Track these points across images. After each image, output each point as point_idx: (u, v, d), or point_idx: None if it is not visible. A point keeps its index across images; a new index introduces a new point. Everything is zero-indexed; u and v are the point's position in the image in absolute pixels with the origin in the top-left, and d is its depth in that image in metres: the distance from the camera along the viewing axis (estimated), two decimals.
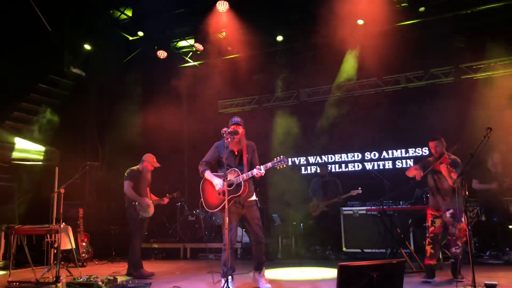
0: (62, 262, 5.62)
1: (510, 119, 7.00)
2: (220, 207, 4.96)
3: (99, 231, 8.42)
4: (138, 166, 6.40)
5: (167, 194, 6.69)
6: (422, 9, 8.09)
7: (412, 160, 9.34)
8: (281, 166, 4.73)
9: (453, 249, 5.29)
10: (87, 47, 8.64)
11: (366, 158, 9.86)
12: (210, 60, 10.45)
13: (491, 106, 7.60)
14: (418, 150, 9.35)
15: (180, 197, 6.76)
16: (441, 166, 5.22)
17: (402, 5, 8.35)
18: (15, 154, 6.72)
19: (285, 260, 7.83)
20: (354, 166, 9.96)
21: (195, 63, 10.70)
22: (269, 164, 4.78)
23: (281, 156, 4.72)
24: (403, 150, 9.50)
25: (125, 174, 6.30)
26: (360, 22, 8.39)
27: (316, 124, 10.24)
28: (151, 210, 6.30)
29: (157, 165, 6.45)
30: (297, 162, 10.49)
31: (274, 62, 10.28)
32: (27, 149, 6.96)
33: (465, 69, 9.08)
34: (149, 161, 6.37)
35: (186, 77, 11.01)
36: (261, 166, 4.81)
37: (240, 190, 4.87)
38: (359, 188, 8.01)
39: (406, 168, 9.08)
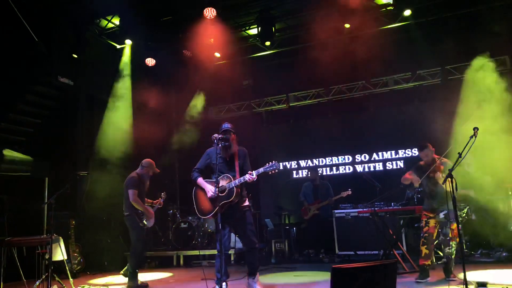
0: (54, 274, 5.55)
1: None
2: (213, 213, 4.96)
3: (91, 241, 8.34)
4: (137, 171, 6.21)
5: (162, 195, 6.58)
6: (408, 13, 8.16)
7: (402, 161, 9.42)
8: (273, 172, 4.75)
9: (446, 249, 5.36)
10: (75, 56, 8.59)
11: (356, 160, 9.92)
12: (200, 66, 10.48)
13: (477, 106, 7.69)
14: (408, 151, 9.44)
15: (165, 197, 6.63)
16: (436, 174, 5.29)
17: (388, 8, 8.45)
18: (3, 166, 6.63)
19: (278, 264, 7.82)
20: (345, 169, 10.01)
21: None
22: (261, 169, 4.80)
23: (273, 161, 4.75)
24: (393, 152, 9.58)
25: (126, 183, 6.09)
26: (347, 26, 8.45)
27: (306, 128, 10.31)
28: (153, 217, 6.22)
29: (157, 171, 6.32)
30: (288, 166, 10.51)
31: (263, 67, 10.33)
32: (16, 161, 6.87)
33: (451, 70, 9.20)
34: (149, 167, 6.23)
35: (176, 84, 11.03)
36: (253, 171, 4.82)
37: (232, 196, 4.88)
38: (349, 189, 8.06)
39: (397, 170, 9.28)
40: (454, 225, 5.35)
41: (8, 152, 6.70)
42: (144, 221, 6.07)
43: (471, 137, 4.40)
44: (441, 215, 5.41)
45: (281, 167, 10.14)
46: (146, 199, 6.34)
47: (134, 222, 6.03)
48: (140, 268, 6.23)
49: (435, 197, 5.47)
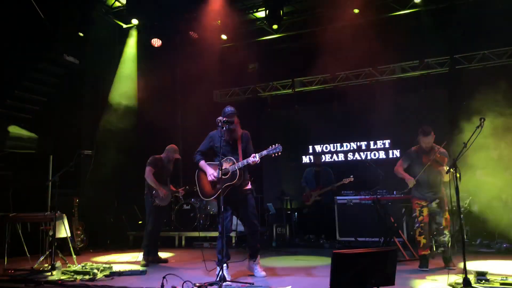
0: (58, 250, 5.63)
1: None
2: (215, 195, 4.99)
3: (94, 220, 8.43)
4: (162, 154, 6.47)
5: (185, 187, 6.97)
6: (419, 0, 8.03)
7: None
8: (276, 154, 4.76)
9: (441, 238, 5.39)
10: (81, 35, 8.54)
11: (360, 147, 9.90)
12: (205, 48, 10.42)
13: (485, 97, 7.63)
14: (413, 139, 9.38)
15: (183, 193, 6.94)
16: (441, 167, 5.26)
17: None
18: (8, 143, 6.67)
19: (279, 248, 7.89)
20: (348, 156, 10.01)
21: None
22: (264, 152, 4.80)
23: (276, 144, 4.75)
24: (396, 140, 9.53)
25: (148, 161, 6.34)
26: (356, 11, 8.34)
27: (311, 113, 10.28)
28: (168, 199, 6.39)
29: (178, 157, 6.53)
30: (291, 152, 10.49)
31: (269, 51, 10.25)
32: (21, 137, 6.91)
33: (459, 59, 9.10)
34: (169, 152, 6.46)
35: (181, 66, 10.98)
36: (256, 154, 4.83)
37: (235, 179, 4.90)
38: (351, 176, 8.08)
39: (390, 159, 9.25)
40: (447, 214, 5.41)
41: (13, 129, 6.74)
42: (156, 200, 6.18)
43: (477, 127, 4.37)
44: (434, 205, 5.41)
45: (284, 153, 10.13)
46: (171, 187, 6.55)
47: (148, 201, 6.28)
48: (153, 246, 6.37)
49: (431, 187, 5.44)
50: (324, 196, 8.55)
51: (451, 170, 4.33)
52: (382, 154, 9.67)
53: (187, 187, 7.01)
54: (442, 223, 5.40)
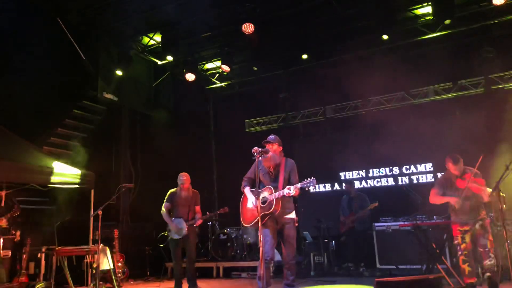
0: (101, 282, 5.76)
1: None
2: (253, 223, 5.07)
3: (134, 251, 8.58)
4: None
5: (207, 214, 6.86)
6: (447, 21, 7.99)
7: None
8: (310, 188, 4.77)
9: (487, 262, 5.13)
10: (119, 73, 8.97)
11: (395, 173, 9.74)
12: (236, 80, 10.71)
13: None
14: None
15: (205, 217, 6.81)
16: (481, 191, 5.11)
17: (427, 18, 8.35)
18: (53, 178, 6.97)
19: (318, 278, 7.75)
20: (385, 181, 9.85)
21: (222, 84, 10.94)
22: (299, 185, 4.81)
23: (312, 178, 4.75)
24: (434, 164, 9.34)
25: None
26: (385, 37, 8.40)
27: (344, 140, 10.24)
28: (180, 232, 6.27)
29: (182, 184, 6.40)
30: (325, 179, 10.43)
31: (300, 79, 10.40)
32: (64, 173, 7.20)
33: (495, 79, 8.93)
34: (179, 180, 6.45)
35: (213, 98, 11.30)
36: (291, 186, 4.86)
37: (271, 208, 4.92)
38: (377, 201, 8.08)
39: None
40: (491, 236, 5.20)
41: (57, 165, 7.05)
42: (170, 234, 6.37)
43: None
44: (477, 226, 5.21)
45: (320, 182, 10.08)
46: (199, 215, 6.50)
47: (168, 235, 6.45)
48: (177, 278, 6.35)
49: (471, 210, 5.24)
50: (358, 223, 8.43)
51: (493, 193, 4.22)
52: (422, 179, 9.45)
53: (207, 213, 6.85)
54: (487, 245, 5.16)
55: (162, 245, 8.57)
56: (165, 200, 6.44)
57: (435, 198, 5.51)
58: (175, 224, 6.30)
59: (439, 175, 9.15)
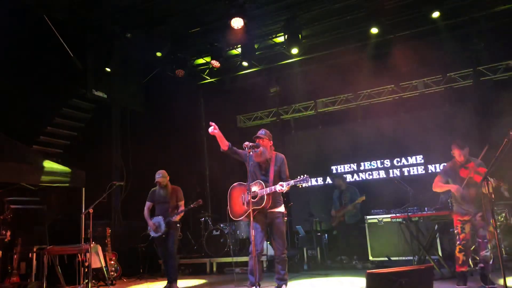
0: (93, 281, 5.74)
1: None
2: (243, 216, 5.09)
3: (127, 249, 8.55)
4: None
5: (190, 206, 6.60)
6: (436, 15, 8.03)
7: (440, 165, 9.17)
8: (303, 185, 4.78)
9: (483, 253, 5.17)
10: (108, 70, 8.89)
11: (386, 165, 9.79)
12: (227, 76, 10.68)
13: None
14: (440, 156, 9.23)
15: (197, 205, 6.65)
16: (474, 174, 5.14)
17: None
18: (43, 177, 6.91)
19: (311, 271, 7.79)
20: (375, 174, 9.90)
21: (213, 79, 10.89)
22: (292, 182, 4.83)
23: (305, 175, 4.76)
24: (424, 156, 9.39)
25: None
26: (374, 30, 8.41)
27: (335, 133, 10.27)
28: (157, 230, 6.25)
29: (158, 179, 6.32)
30: (317, 173, 10.46)
31: (291, 74, 10.40)
32: (54, 172, 7.14)
33: (483, 71, 8.99)
34: (156, 177, 6.39)
35: (204, 94, 11.25)
36: (284, 183, 4.87)
37: (262, 203, 4.94)
38: (364, 195, 8.32)
39: (429, 174, 9.09)
40: (491, 227, 5.21)
41: (47, 164, 6.99)
42: (150, 233, 6.43)
43: (506, 139, 4.25)
44: (478, 217, 5.24)
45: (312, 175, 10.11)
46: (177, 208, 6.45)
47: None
48: (167, 275, 6.33)
49: (473, 201, 5.25)
50: (349, 216, 8.49)
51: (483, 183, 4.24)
52: (413, 171, 9.50)
53: (191, 205, 6.48)
54: (486, 237, 5.16)
55: (143, 244, 8.55)
56: (147, 199, 6.50)
57: (437, 186, 5.52)
58: (152, 222, 6.30)
59: (430, 167, 9.26)
